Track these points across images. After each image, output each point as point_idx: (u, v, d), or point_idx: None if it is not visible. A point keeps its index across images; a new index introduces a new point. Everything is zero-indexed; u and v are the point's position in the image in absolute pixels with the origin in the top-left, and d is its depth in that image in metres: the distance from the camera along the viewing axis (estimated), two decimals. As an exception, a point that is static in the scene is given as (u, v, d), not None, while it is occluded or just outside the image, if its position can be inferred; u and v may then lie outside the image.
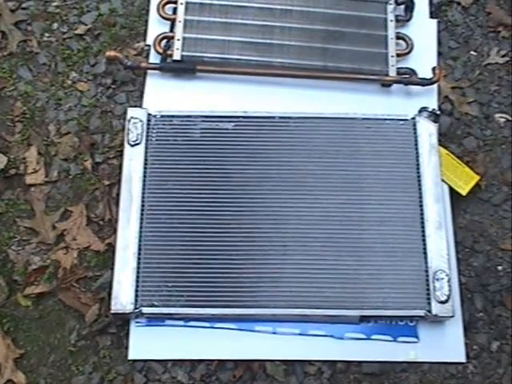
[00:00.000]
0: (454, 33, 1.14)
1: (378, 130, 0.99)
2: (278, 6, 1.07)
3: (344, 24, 1.06)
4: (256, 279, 0.90)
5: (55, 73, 1.09)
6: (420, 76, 1.06)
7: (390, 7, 1.08)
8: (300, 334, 0.91)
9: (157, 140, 0.98)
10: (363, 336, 0.92)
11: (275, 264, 0.91)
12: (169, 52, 1.05)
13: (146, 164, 0.95)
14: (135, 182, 0.94)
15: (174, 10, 1.07)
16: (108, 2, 1.13)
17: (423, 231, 0.93)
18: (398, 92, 1.07)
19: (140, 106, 1.04)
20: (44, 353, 0.92)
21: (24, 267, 0.96)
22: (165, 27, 1.08)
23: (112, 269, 0.90)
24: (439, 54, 1.11)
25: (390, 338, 0.92)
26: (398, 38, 1.07)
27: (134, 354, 0.91)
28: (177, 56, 1.04)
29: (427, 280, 0.91)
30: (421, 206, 0.95)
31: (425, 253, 0.92)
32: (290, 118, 1.00)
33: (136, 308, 0.88)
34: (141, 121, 0.98)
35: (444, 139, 1.04)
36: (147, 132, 0.97)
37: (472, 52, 1.13)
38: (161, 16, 1.08)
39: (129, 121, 0.98)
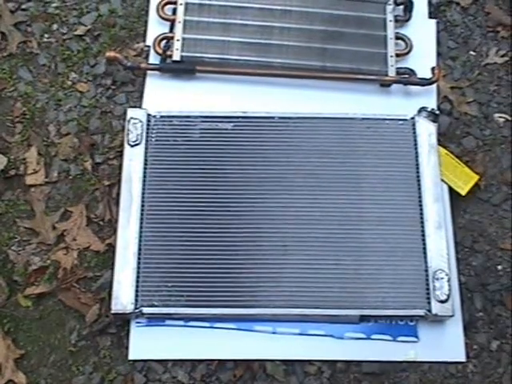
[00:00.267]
0: (453, 33, 1.14)
1: (377, 130, 0.99)
2: (277, 6, 1.07)
3: (343, 24, 1.07)
4: (256, 279, 0.90)
5: (55, 74, 1.09)
6: (419, 76, 1.06)
7: (389, 7, 1.08)
8: (300, 334, 0.92)
9: (156, 140, 0.98)
10: (363, 336, 0.92)
11: (275, 264, 0.91)
12: (168, 52, 1.05)
13: (145, 164, 0.95)
14: (135, 182, 0.94)
15: (174, 11, 1.07)
16: (107, 3, 1.13)
17: (423, 231, 0.93)
18: (398, 92, 1.07)
19: (140, 107, 1.04)
20: (44, 353, 0.92)
21: (24, 268, 0.96)
22: (164, 28, 1.08)
23: (112, 269, 0.90)
24: (438, 54, 1.11)
25: (389, 337, 0.92)
26: (397, 38, 1.07)
27: (134, 354, 0.91)
28: (176, 56, 1.04)
29: (427, 279, 0.91)
30: (420, 205, 0.95)
31: (424, 252, 0.92)
32: (289, 118, 1.00)
33: (136, 308, 0.88)
34: (140, 121, 0.98)
35: (443, 139, 1.05)
36: (147, 132, 0.97)
37: (471, 52, 1.13)
38: (160, 17, 1.08)
39: (128, 121, 0.98)
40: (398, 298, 0.90)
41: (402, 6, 1.11)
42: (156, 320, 0.91)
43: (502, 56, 1.13)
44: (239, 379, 0.91)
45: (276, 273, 0.91)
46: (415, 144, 0.98)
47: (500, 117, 1.09)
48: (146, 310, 0.89)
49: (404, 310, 0.90)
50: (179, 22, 1.05)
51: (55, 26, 1.12)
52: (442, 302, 0.89)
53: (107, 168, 1.02)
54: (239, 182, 0.95)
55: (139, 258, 0.90)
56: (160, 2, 1.08)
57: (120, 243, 0.91)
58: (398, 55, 1.06)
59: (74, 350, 0.92)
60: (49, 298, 0.95)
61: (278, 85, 1.06)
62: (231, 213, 0.94)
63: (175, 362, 0.91)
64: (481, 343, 0.94)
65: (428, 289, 0.90)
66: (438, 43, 1.12)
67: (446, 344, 0.92)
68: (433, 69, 1.06)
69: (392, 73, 1.05)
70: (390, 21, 1.08)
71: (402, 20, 1.11)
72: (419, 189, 0.96)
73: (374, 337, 0.92)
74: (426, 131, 0.99)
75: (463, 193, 1.01)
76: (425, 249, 0.92)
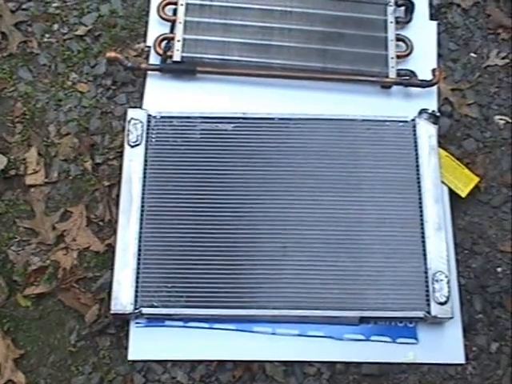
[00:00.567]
0: (454, 35, 1.14)
1: (377, 131, 0.99)
2: (278, 7, 1.07)
3: (343, 25, 1.07)
4: (255, 280, 0.90)
5: (55, 74, 1.09)
6: (420, 78, 1.06)
7: (390, 9, 1.08)
8: (299, 335, 0.92)
9: (157, 141, 0.98)
10: (362, 337, 0.92)
11: (274, 265, 0.91)
12: (169, 53, 1.05)
13: (145, 165, 0.95)
14: (135, 182, 0.94)
15: (174, 12, 1.07)
16: (108, 3, 1.13)
17: (423, 233, 0.93)
18: (398, 94, 1.07)
19: (140, 107, 1.04)
20: (44, 353, 0.92)
21: (24, 268, 0.96)
22: (165, 28, 1.08)
23: (112, 269, 0.90)
24: (439, 55, 1.11)
25: (389, 339, 0.92)
26: (397, 39, 1.07)
27: (133, 354, 0.91)
28: (177, 57, 1.04)
29: (426, 281, 0.91)
30: (420, 207, 0.95)
31: (424, 254, 0.92)
32: (289, 119, 1.00)
33: (136, 308, 0.88)
34: (141, 122, 0.98)
35: (444, 141, 1.05)
36: (147, 133, 0.97)
37: (472, 54, 1.13)
38: (161, 17, 1.08)
39: (129, 122, 0.98)
40: (397, 300, 0.90)
41: (402, 8, 1.11)
42: (155, 320, 0.91)
43: (503, 58, 1.13)
44: (238, 380, 0.91)
45: (276, 274, 0.91)
46: (415, 146, 0.98)
47: (500, 119, 1.09)
48: (145, 310, 0.89)
49: (403, 311, 0.90)
50: (180, 22, 1.05)
51: (56, 26, 1.12)
52: (442, 303, 0.89)
53: (107, 168, 1.02)
54: (239, 183, 0.95)
55: (139, 259, 0.90)
56: (161, 3, 1.08)
57: (120, 244, 0.91)
58: (398, 57, 1.06)
59: (74, 350, 0.92)
60: (48, 298, 0.95)
61: (278, 86, 1.06)
62: (231, 214, 0.94)
63: (175, 362, 0.91)
64: (480, 345, 0.94)
65: (427, 291, 0.90)
66: (439, 45, 1.12)
67: (445, 346, 0.93)
68: (433, 71, 1.06)
69: (392, 74, 1.05)
70: (391, 22, 1.08)
71: (403, 21, 1.10)
72: (419, 190, 0.96)
73: (373, 338, 0.92)
74: (427, 133, 0.99)
75: (463, 195, 1.01)
76: (424, 250, 0.92)
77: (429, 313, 0.89)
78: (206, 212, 0.93)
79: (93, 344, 0.92)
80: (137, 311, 0.88)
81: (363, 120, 1.00)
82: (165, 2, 1.08)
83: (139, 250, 0.91)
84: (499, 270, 0.99)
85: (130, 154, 0.96)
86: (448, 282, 0.90)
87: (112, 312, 0.88)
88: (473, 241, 1.01)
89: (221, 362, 0.91)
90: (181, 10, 1.06)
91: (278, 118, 1.00)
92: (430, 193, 0.95)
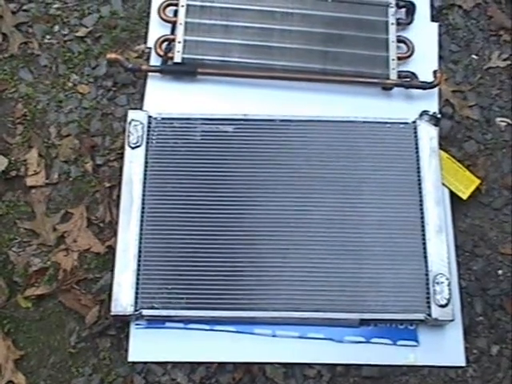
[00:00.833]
0: (455, 36, 1.14)
1: (378, 133, 0.99)
2: (279, 8, 1.07)
3: (345, 27, 1.06)
4: (256, 282, 0.90)
5: (56, 75, 1.09)
6: (421, 79, 1.06)
7: (391, 10, 1.08)
8: (299, 337, 0.91)
9: (157, 142, 0.98)
10: (363, 339, 0.92)
11: (275, 267, 0.91)
12: (169, 54, 1.05)
13: (146, 166, 0.95)
14: (136, 184, 0.94)
15: (175, 13, 1.07)
16: (109, 5, 1.13)
17: (423, 235, 0.93)
18: (399, 95, 1.07)
19: (141, 109, 1.04)
20: (44, 354, 0.92)
21: (24, 269, 0.96)
22: (166, 30, 1.08)
23: (112, 271, 0.90)
24: (440, 57, 1.11)
25: (389, 341, 0.92)
26: (398, 41, 1.07)
27: (133, 355, 0.91)
28: (177, 58, 1.04)
29: (427, 284, 0.90)
30: (421, 209, 0.95)
31: (425, 256, 0.92)
32: (290, 121, 1.00)
33: (136, 310, 0.88)
34: (141, 123, 0.98)
35: (445, 143, 1.04)
36: (148, 134, 0.97)
37: (473, 56, 1.13)
38: (162, 18, 1.08)
39: (129, 123, 0.98)
40: (398, 302, 0.90)
41: (404, 9, 1.11)
42: (156, 322, 0.91)
43: (505, 60, 1.13)
44: (238, 382, 0.91)
45: (276, 276, 0.91)
46: (416, 148, 0.98)
47: (502, 121, 1.09)
48: (145, 312, 0.89)
49: (404, 313, 0.90)
50: (180, 23, 1.05)
51: (56, 28, 1.12)
52: (442, 306, 0.89)
53: (108, 170, 1.02)
54: (240, 185, 0.95)
55: (139, 260, 0.90)
56: (161, 4, 1.08)
57: (120, 245, 0.91)
58: (399, 58, 1.06)
59: (74, 351, 0.92)
60: (49, 299, 0.95)
61: (279, 87, 1.06)
62: (231, 215, 0.94)
63: (175, 364, 0.91)
64: (481, 348, 0.94)
65: (428, 293, 0.90)
66: (440, 46, 1.12)
67: (445, 348, 0.92)
68: (435, 72, 1.05)
69: (393, 76, 1.04)
70: (392, 24, 1.07)
71: (404, 23, 1.10)
72: (420, 192, 0.96)
73: (373, 340, 0.92)
74: (428, 135, 0.99)
75: (464, 197, 1.01)
76: (425, 253, 0.92)
77: (429, 315, 0.89)
78: (206, 214, 0.93)
79: (93, 345, 0.92)
80: (137, 313, 0.88)
81: (364, 122, 1.00)
82: (165, 4, 1.08)
83: (140, 251, 0.91)
84: (500, 272, 0.99)
85: (131, 155, 0.96)
86: (449, 285, 0.90)
87: (112, 313, 0.88)
88: (474, 243, 1.00)
89: (221, 364, 0.91)
90: (181, 11, 1.06)
91: (279, 120, 1.00)
92: (431, 195, 0.95)
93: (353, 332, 0.92)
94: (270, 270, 0.91)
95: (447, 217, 0.98)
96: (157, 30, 1.09)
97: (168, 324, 0.91)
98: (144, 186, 0.94)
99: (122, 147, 0.99)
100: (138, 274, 0.90)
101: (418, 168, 0.97)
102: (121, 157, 0.99)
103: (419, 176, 0.96)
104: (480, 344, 0.94)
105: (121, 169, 0.97)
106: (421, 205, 0.95)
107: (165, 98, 1.05)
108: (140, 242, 0.91)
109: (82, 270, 0.96)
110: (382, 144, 0.99)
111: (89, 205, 1.00)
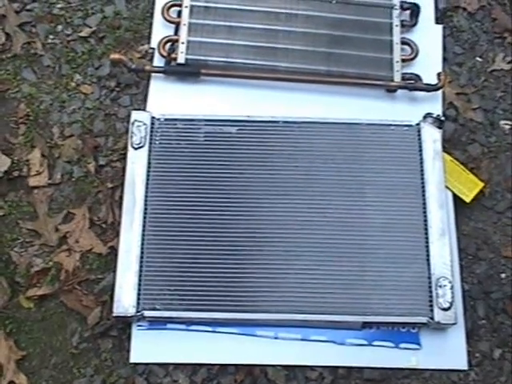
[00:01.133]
0: (460, 38, 1.14)
1: (382, 135, 0.99)
2: (283, 10, 1.06)
3: (349, 29, 1.06)
4: (258, 284, 0.90)
5: (59, 75, 1.09)
6: (425, 82, 1.05)
7: (396, 12, 1.08)
8: (302, 340, 0.91)
9: (160, 143, 0.97)
10: (365, 342, 0.91)
11: (278, 269, 0.91)
12: (173, 55, 1.05)
13: (149, 167, 0.95)
14: (138, 185, 0.94)
15: (179, 13, 1.07)
16: (112, 5, 1.13)
17: (426, 238, 0.93)
18: (403, 97, 1.07)
19: (144, 109, 1.04)
20: (46, 355, 0.92)
21: (26, 269, 0.96)
22: (169, 30, 1.08)
23: (114, 272, 0.90)
24: (444, 59, 1.11)
25: (391, 344, 0.92)
26: (403, 43, 1.07)
27: (135, 357, 0.91)
28: (181, 59, 1.03)
29: (430, 287, 0.90)
30: (424, 212, 0.94)
31: (428, 259, 0.92)
32: (293, 122, 0.99)
33: (138, 311, 0.88)
34: (144, 124, 0.97)
35: (448, 145, 1.04)
36: (151, 135, 0.97)
37: (477, 58, 1.13)
38: (165, 19, 1.08)
39: (132, 124, 0.98)
40: (400, 305, 0.90)
41: (408, 11, 1.10)
42: (158, 323, 0.91)
43: (509, 62, 1.12)
44: (240, 384, 0.91)
45: (279, 278, 0.91)
46: (420, 150, 0.98)
47: (506, 124, 1.08)
48: (147, 313, 0.89)
49: (406, 316, 0.90)
50: (184, 24, 1.05)
51: (60, 28, 1.11)
52: (445, 309, 0.89)
53: (110, 170, 1.02)
54: (243, 187, 0.95)
55: (141, 262, 0.90)
56: (165, 5, 1.08)
57: (122, 246, 0.91)
58: (403, 60, 1.06)
59: (76, 352, 0.92)
60: (51, 299, 0.95)
61: (282, 89, 1.06)
62: (234, 217, 0.93)
63: (176, 365, 0.91)
64: (483, 351, 0.94)
65: (431, 296, 0.90)
66: (444, 49, 1.12)
67: (448, 352, 0.92)
68: (439, 74, 1.05)
69: (397, 78, 1.04)
70: (396, 26, 1.07)
71: (408, 25, 1.10)
72: (423, 195, 0.95)
73: (375, 343, 0.92)
74: (431, 137, 0.99)
75: (468, 200, 1.00)
76: (428, 256, 0.92)
77: (432, 318, 0.89)
78: (209, 215, 0.93)
79: (95, 346, 0.92)
80: (139, 314, 0.88)
81: (368, 124, 1.00)
82: (169, 4, 1.08)
83: (142, 252, 0.91)
84: (503, 276, 0.99)
85: (134, 156, 0.96)
86: (451, 288, 0.90)
87: (114, 315, 0.88)
88: (477, 246, 1.00)
89: (223, 366, 0.91)
90: (185, 11, 1.05)
91: (283, 122, 0.99)
92: (435, 198, 0.95)
93: (355, 335, 0.91)
94: (272, 272, 0.91)
95: (450, 220, 0.98)
96: (160, 30, 1.09)
97: (170, 325, 0.91)
98: (147, 187, 0.94)
99: (125, 148, 0.98)
100: (140, 275, 0.89)
101: (422, 170, 0.97)
102: (124, 157, 0.99)
103: (423, 179, 0.96)
104: (482, 347, 0.94)
105: (123, 169, 0.96)
106: (424, 208, 0.95)
107: (168, 99, 1.05)
108: (142, 243, 0.91)
109: (84, 271, 0.96)
110: (385, 146, 0.98)
111: (91, 205, 1.00)
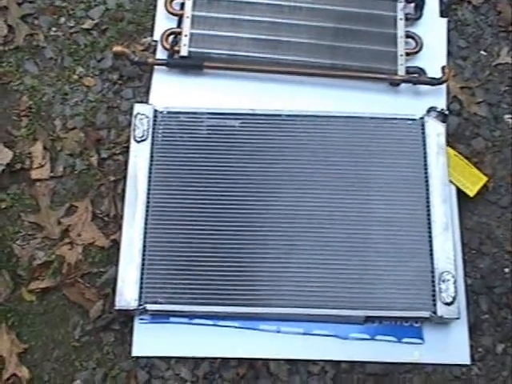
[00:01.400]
0: (464, 32, 1.13)
1: (385, 129, 0.99)
2: (287, 2, 1.06)
3: (353, 22, 1.06)
4: (261, 278, 0.90)
5: (62, 67, 1.08)
6: (429, 75, 1.05)
7: (400, 5, 1.07)
8: (304, 334, 0.91)
9: (163, 136, 0.97)
10: (367, 336, 0.91)
11: (280, 263, 0.91)
12: (176, 48, 1.04)
13: (151, 160, 0.95)
14: (141, 178, 0.94)
15: (182, 6, 1.06)
16: (115, -3, 1.12)
17: (430, 232, 0.93)
18: (407, 91, 1.06)
19: (146, 102, 1.03)
20: (48, 348, 0.92)
21: (29, 262, 0.96)
22: (172, 23, 1.07)
23: (116, 265, 0.90)
24: (449, 53, 1.10)
25: (394, 338, 0.92)
26: (407, 36, 1.06)
27: (137, 350, 0.91)
28: (184, 52, 1.03)
29: (433, 281, 0.90)
30: (428, 206, 0.94)
31: (431, 254, 0.91)
32: (297, 116, 0.99)
33: (140, 305, 0.88)
34: (147, 117, 0.97)
35: (452, 139, 1.04)
36: (153, 128, 0.97)
37: (482, 52, 1.12)
38: (168, 11, 1.07)
39: (135, 117, 0.97)
40: (403, 300, 0.90)
41: (412, 4, 1.10)
42: (160, 317, 0.91)
43: (514, 56, 1.12)
44: (242, 378, 0.90)
45: (281, 272, 0.90)
46: (424, 144, 0.97)
47: (510, 118, 1.08)
48: (149, 306, 0.88)
49: (409, 311, 0.90)
50: (187, 17, 1.04)
51: (62, 20, 1.11)
52: (448, 304, 0.89)
53: (113, 163, 1.02)
54: (245, 180, 0.95)
55: (144, 255, 0.90)
56: (168, -3, 1.07)
57: (125, 239, 0.91)
58: (408, 54, 1.05)
59: (78, 345, 0.92)
60: (53, 292, 0.95)
61: (286, 82, 1.05)
62: (237, 210, 0.93)
63: (178, 359, 0.91)
64: (486, 346, 0.94)
65: (434, 290, 0.89)
66: (449, 42, 1.11)
67: (450, 346, 0.92)
68: (443, 68, 1.04)
69: (402, 72, 1.04)
70: (401, 19, 1.06)
71: (413, 18, 1.09)
72: (427, 189, 0.95)
73: (378, 338, 0.91)
74: (435, 131, 0.98)
75: (471, 194, 1.00)
76: (431, 250, 0.92)
77: (435, 313, 0.88)
78: (211, 208, 0.93)
79: (97, 339, 0.92)
80: (141, 307, 0.88)
81: (371, 118, 0.99)
82: (172, -4, 1.07)
83: (144, 245, 0.91)
84: (506, 270, 0.98)
85: (136, 149, 0.95)
86: (455, 282, 0.90)
87: (116, 308, 0.88)
88: (480, 241, 1.00)
89: (225, 360, 0.91)
90: (188, 4, 1.05)
91: (286, 115, 0.99)
92: (438, 192, 0.94)
93: (358, 329, 0.91)
94: (275, 266, 0.91)
95: (454, 214, 0.98)
96: (163, 22, 1.08)
97: (172, 319, 0.91)
98: (149, 180, 0.94)
99: (128, 141, 0.98)
100: (142, 269, 0.89)
101: (425, 165, 0.96)
102: (126, 150, 0.99)
103: (426, 173, 0.96)
104: (485, 342, 0.94)
105: (126, 162, 0.96)
106: (427, 202, 0.94)
107: (171, 92, 1.04)
108: (145, 237, 0.91)
109: (87, 264, 0.96)
110: (389, 140, 0.98)
111: (93, 198, 1.00)
